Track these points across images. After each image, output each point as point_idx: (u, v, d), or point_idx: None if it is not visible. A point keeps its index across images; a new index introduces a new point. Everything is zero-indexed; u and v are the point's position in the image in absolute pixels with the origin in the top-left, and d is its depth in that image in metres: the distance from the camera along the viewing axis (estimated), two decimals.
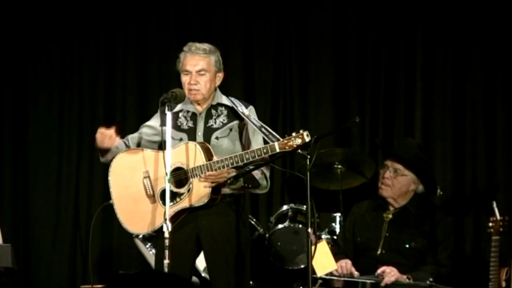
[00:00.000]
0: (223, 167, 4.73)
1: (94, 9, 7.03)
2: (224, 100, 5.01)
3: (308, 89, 6.77)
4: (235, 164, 4.72)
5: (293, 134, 4.63)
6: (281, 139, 4.65)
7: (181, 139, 4.91)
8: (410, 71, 6.59)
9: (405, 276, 5.41)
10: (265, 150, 4.67)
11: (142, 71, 6.99)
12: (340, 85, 6.73)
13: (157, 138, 5.01)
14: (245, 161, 4.71)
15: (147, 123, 5.13)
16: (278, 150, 4.65)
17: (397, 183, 5.65)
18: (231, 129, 4.95)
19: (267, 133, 4.73)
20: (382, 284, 5.37)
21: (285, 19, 6.83)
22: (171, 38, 6.88)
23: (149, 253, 5.86)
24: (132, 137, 5.11)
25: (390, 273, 5.40)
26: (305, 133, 4.61)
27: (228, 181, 4.78)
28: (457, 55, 6.53)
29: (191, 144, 4.83)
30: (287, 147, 4.63)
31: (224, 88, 5.18)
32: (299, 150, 4.63)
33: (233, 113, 4.97)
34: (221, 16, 6.91)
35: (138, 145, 5.07)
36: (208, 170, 4.75)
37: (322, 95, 6.75)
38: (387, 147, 6.31)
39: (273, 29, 6.84)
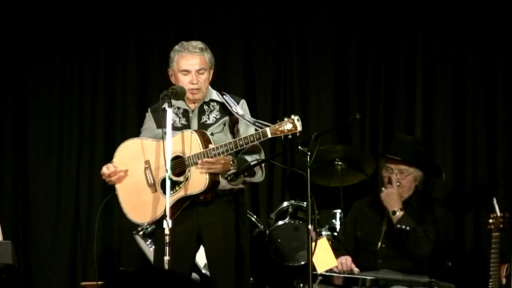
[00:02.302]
0: (219, 154, 4.74)
1: (94, 9, 7.02)
2: (215, 95, 5.01)
3: (308, 86, 6.77)
4: (229, 151, 4.74)
5: (285, 119, 4.65)
6: (272, 125, 4.67)
7: None
8: (410, 68, 6.59)
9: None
10: (257, 136, 4.69)
11: (143, 70, 6.99)
12: (341, 82, 6.73)
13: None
14: (239, 147, 4.73)
15: (142, 128, 5.14)
16: (270, 135, 4.66)
17: (407, 183, 5.67)
18: (224, 124, 4.96)
19: (261, 126, 4.74)
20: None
21: (285, 16, 6.83)
22: (171, 36, 6.86)
23: (150, 250, 5.86)
24: None
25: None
26: (295, 118, 4.64)
27: (229, 178, 4.79)
28: (458, 53, 6.53)
29: (187, 132, 4.84)
30: (278, 132, 4.64)
31: (225, 85, 5.18)
32: (300, 147, 4.65)
33: (224, 108, 4.97)
34: (222, 14, 6.90)
35: None
36: (204, 157, 4.76)
37: (323, 92, 6.75)
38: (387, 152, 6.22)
39: (273, 27, 6.84)
